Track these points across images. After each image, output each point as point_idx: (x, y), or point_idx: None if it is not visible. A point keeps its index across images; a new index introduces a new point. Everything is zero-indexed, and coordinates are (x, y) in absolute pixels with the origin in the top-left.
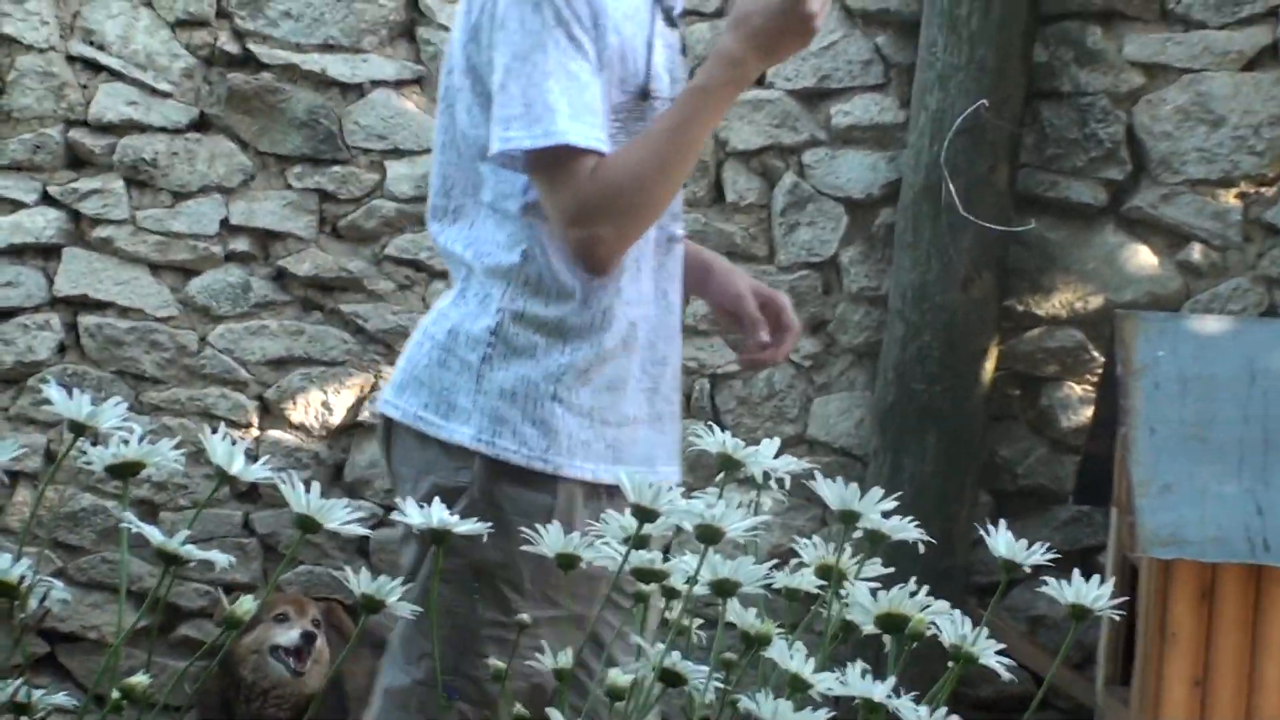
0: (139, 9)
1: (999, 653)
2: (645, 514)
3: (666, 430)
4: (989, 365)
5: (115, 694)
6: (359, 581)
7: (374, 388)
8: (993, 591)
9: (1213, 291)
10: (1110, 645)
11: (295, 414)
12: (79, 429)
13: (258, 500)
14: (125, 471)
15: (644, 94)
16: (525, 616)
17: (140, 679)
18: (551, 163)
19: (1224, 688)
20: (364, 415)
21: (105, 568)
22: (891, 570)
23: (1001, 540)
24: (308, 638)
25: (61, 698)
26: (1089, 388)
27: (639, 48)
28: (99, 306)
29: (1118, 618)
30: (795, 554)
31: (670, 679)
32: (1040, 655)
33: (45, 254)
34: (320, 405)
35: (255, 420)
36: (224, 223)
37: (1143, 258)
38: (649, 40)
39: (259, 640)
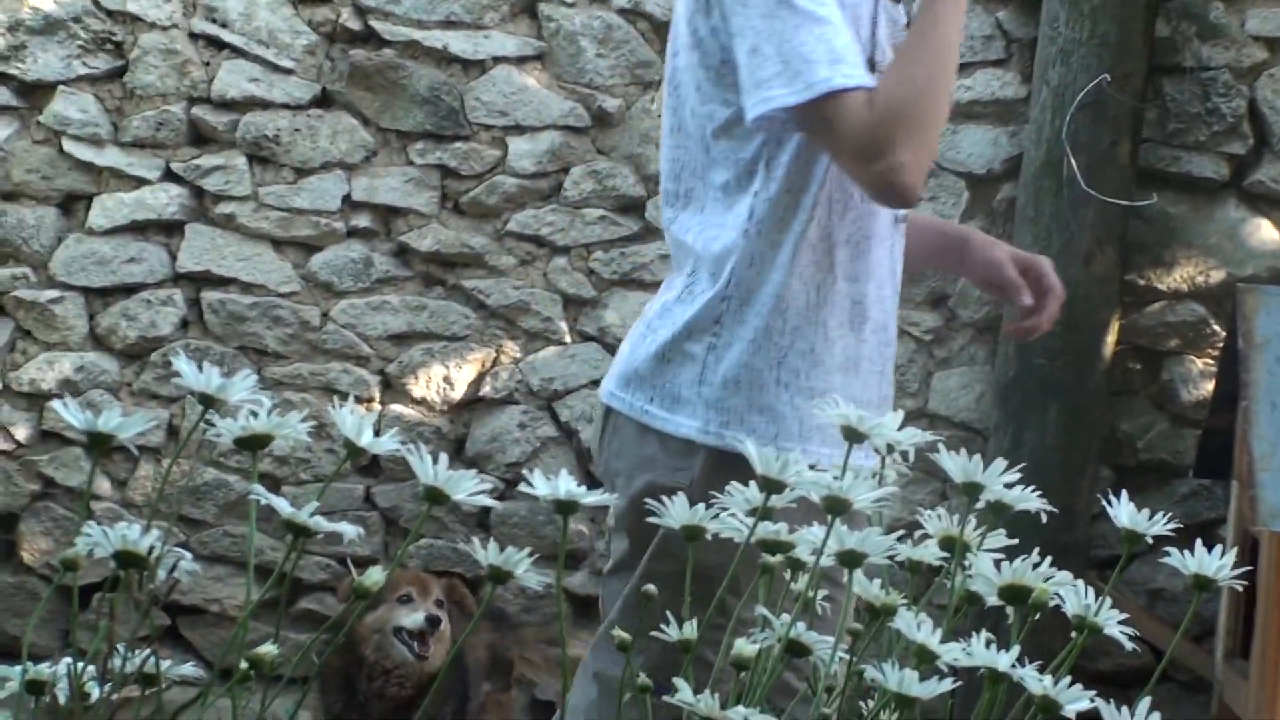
0: None
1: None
2: (772, 485)
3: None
4: (1110, 340)
5: (243, 665)
6: (487, 554)
7: (495, 363)
8: (1113, 566)
9: None
10: (1230, 618)
11: (417, 389)
12: (208, 401)
13: (379, 474)
14: (254, 444)
15: (870, 65)
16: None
17: (269, 648)
18: (824, 112)
19: None
20: (485, 390)
21: (227, 541)
22: (1014, 542)
23: (1124, 511)
24: (432, 621)
25: (188, 668)
26: (1210, 362)
27: (864, 18)
28: (222, 282)
29: (1240, 588)
30: (917, 527)
31: (796, 649)
32: (1159, 629)
33: (168, 230)
34: (442, 380)
35: (377, 395)
36: (346, 199)
37: (1264, 232)
38: (874, 14)
39: (382, 620)
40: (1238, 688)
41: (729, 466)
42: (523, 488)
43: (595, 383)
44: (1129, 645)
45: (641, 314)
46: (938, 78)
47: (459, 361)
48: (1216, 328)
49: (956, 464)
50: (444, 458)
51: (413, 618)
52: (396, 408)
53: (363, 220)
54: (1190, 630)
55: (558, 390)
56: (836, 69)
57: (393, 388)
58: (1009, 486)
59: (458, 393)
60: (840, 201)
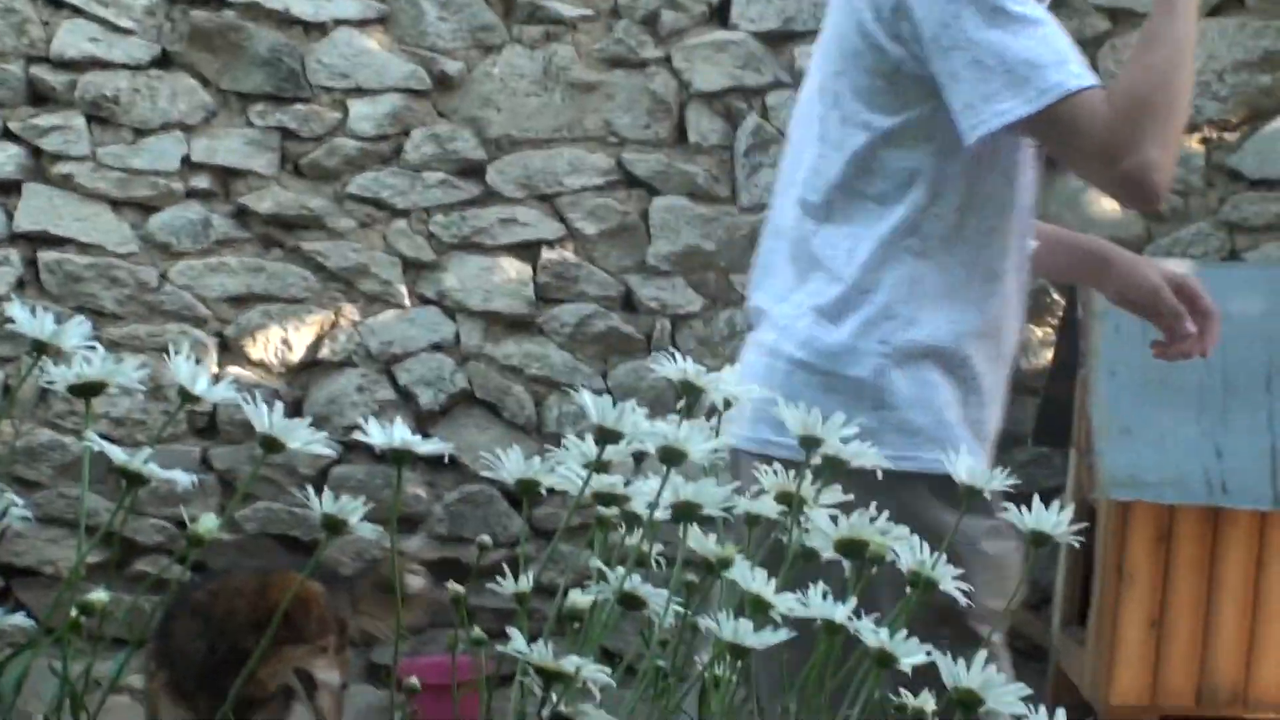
0: None
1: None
2: (609, 435)
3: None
4: None
5: (74, 610)
6: (320, 504)
7: (333, 325)
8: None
9: (1174, 236)
10: (1067, 587)
11: (254, 351)
12: (42, 348)
13: (216, 436)
14: (88, 391)
15: None
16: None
17: (100, 595)
18: (1060, 116)
19: (1180, 629)
20: (323, 353)
21: (62, 503)
22: (850, 498)
23: (961, 465)
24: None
25: (19, 618)
26: (1049, 331)
27: None
28: (59, 243)
29: (1076, 545)
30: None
31: (630, 602)
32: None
33: (5, 190)
34: (280, 342)
35: (215, 357)
36: (185, 160)
37: (1105, 202)
38: None
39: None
40: (1074, 655)
41: (925, 490)
42: (358, 435)
43: (435, 346)
44: (963, 601)
45: (754, 342)
46: (1180, 67)
47: (297, 324)
48: (1056, 296)
49: (794, 416)
50: (280, 406)
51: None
52: (234, 369)
53: (202, 181)
54: (1029, 599)
55: (396, 354)
56: (1065, 70)
57: (230, 350)
58: (846, 441)
59: (296, 355)
60: (992, 224)
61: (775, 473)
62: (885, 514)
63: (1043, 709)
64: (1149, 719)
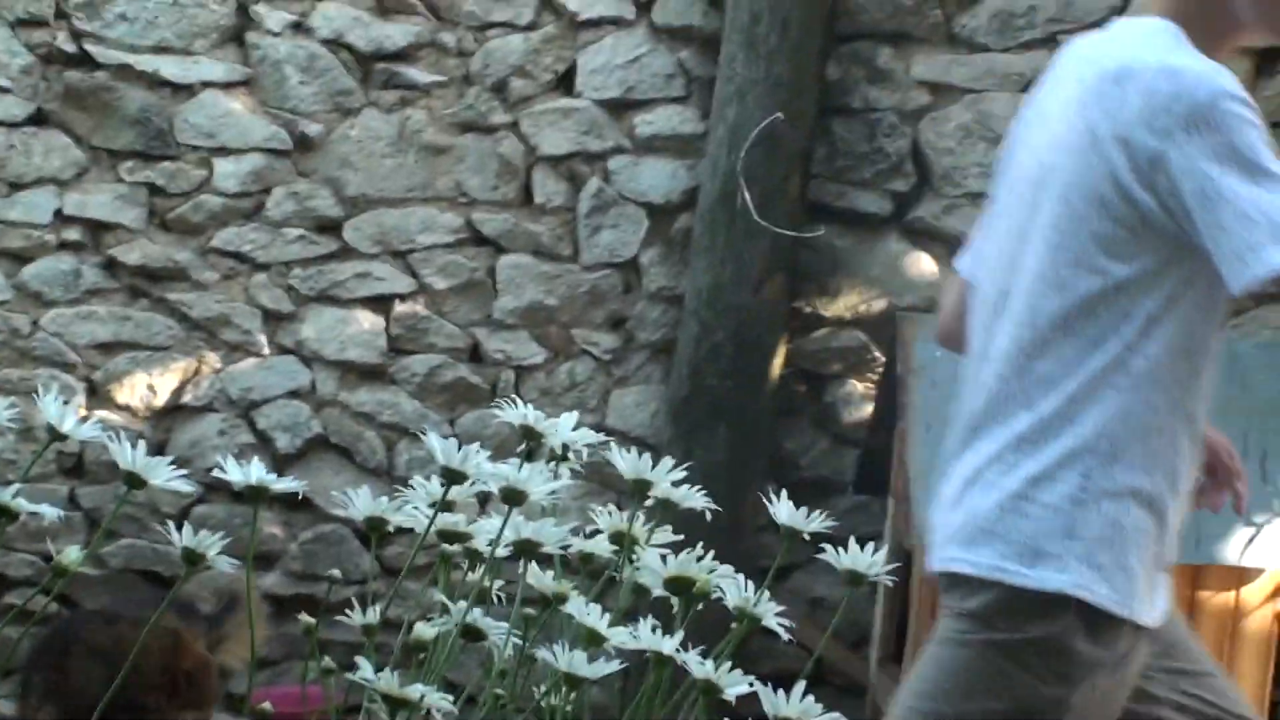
0: None
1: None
2: (454, 476)
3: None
4: (777, 363)
5: None
6: (181, 538)
7: (196, 372)
8: (781, 577)
9: None
10: (885, 627)
11: (122, 395)
12: None
13: (83, 476)
14: None
15: None
16: None
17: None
18: None
19: None
20: (186, 398)
21: None
22: (681, 538)
23: (783, 509)
24: None
25: None
26: (870, 385)
27: None
28: None
29: (890, 584)
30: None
31: (471, 634)
32: (819, 635)
33: None
34: (145, 388)
35: (84, 401)
36: (58, 213)
37: (924, 265)
38: None
39: None
40: (890, 691)
41: (1085, 621)
42: (218, 474)
43: (292, 393)
44: (785, 636)
45: (955, 472)
46: None
47: (162, 370)
48: (877, 353)
49: (628, 462)
50: (143, 445)
51: None
52: (102, 413)
53: (73, 234)
54: (847, 637)
55: (255, 400)
56: None
57: (98, 394)
58: (676, 485)
59: (160, 400)
60: (1194, 367)
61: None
62: (1032, 631)
63: None
64: None
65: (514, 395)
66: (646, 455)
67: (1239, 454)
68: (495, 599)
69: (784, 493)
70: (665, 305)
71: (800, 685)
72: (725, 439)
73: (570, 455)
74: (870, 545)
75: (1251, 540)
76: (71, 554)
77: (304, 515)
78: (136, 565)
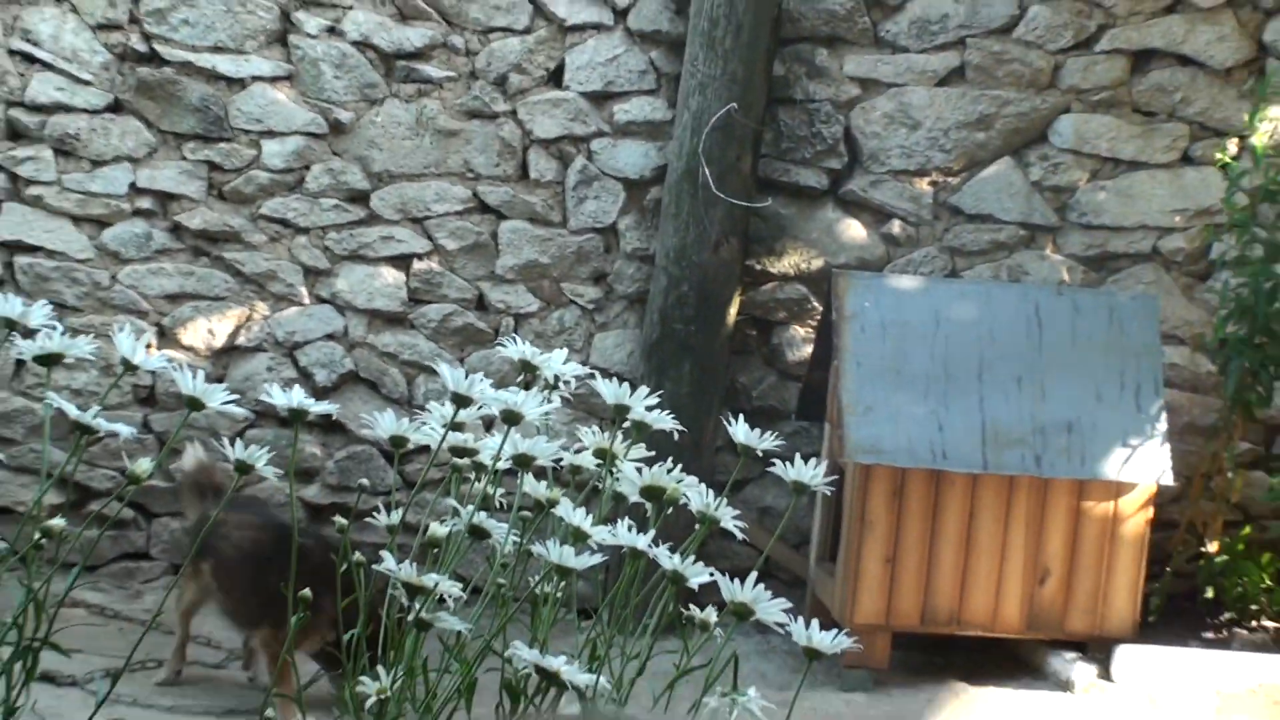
0: (66, 14)
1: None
2: (462, 400)
3: None
4: (733, 311)
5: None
6: (234, 451)
7: (249, 319)
8: (736, 489)
9: (908, 257)
10: (822, 531)
11: (186, 337)
12: (11, 325)
13: (155, 405)
14: (49, 360)
15: None
16: None
17: (57, 522)
18: None
19: (909, 565)
20: (240, 340)
21: (32, 456)
22: (653, 454)
23: (740, 430)
24: None
25: None
26: (810, 330)
27: None
28: (31, 250)
29: (828, 494)
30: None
31: (477, 533)
32: (767, 538)
33: None
34: (206, 332)
35: (154, 343)
36: (132, 186)
37: (854, 230)
38: None
39: None
40: (826, 585)
41: None
42: (264, 399)
43: (329, 336)
44: (740, 535)
45: None
46: None
47: (220, 317)
48: (815, 304)
49: (610, 390)
50: (201, 373)
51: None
52: (170, 352)
53: (145, 203)
54: (791, 540)
55: (298, 341)
56: None
57: (167, 337)
58: (649, 409)
59: (219, 342)
60: None
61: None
62: None
63: (802, 621)
64: (884, 635)
65: (513, 336)
66: (625, 385)
67: (1118, 389)
68: (498, 505)
69: (740, 417)
70: (639, 263)
71: (752, 576)
72: (689, 374)
73: (560, 384)
74: (812, 461)
75: (1128, 459)
76: (143, 464)
77: (338, 437)
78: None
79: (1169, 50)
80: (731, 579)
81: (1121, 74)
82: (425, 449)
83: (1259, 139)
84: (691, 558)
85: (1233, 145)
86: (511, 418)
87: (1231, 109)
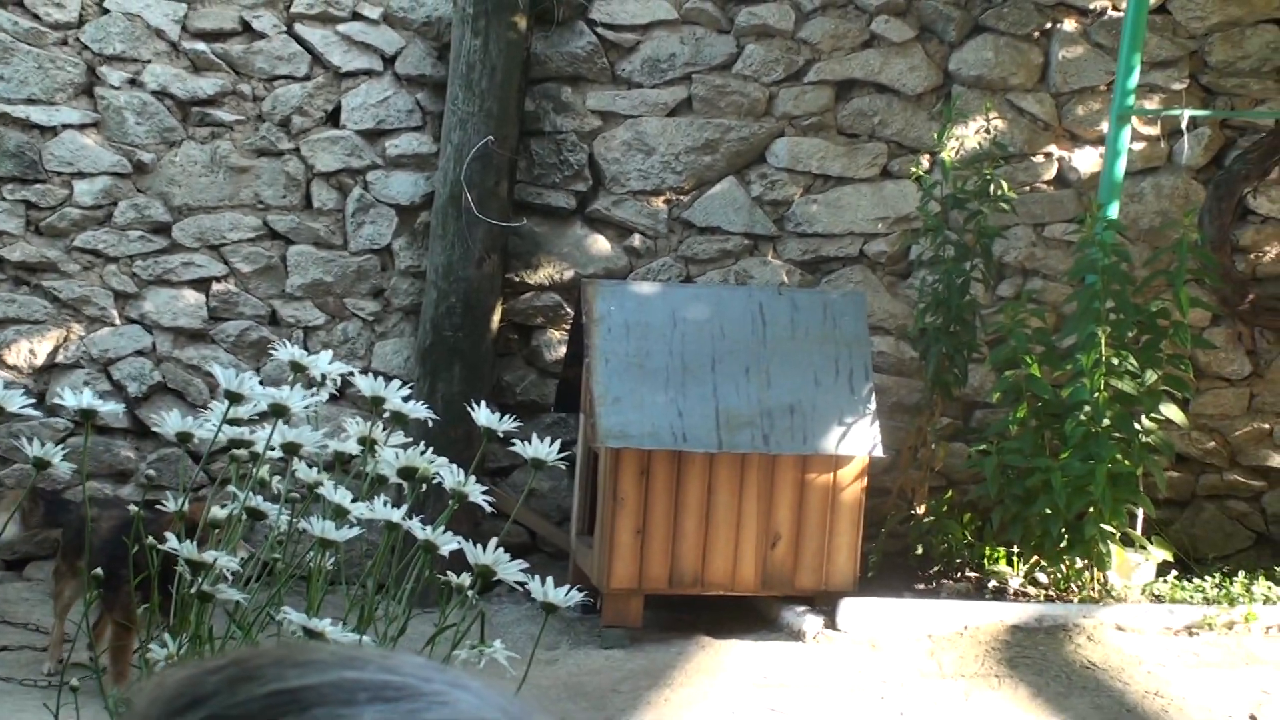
0: None
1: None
2: (234, 397)
3: None
4: (496, 318)
5: None
6: (32, 450)
7: (66, 339)
8: (504, 474)
9: (648, 266)
10: (580, 508)
11: (10, 358)
12: None
13: None
14: None
15: None
16: None
17: None
18: None
19: (657, 535)
20: (60, 358)
21: None
22: (412, 440)
23: (482, 414)
24: None
25: None
26: (564, 333)
27: None
28: None
29: (563, 467)
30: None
31: (254, 514)
32: (532, 517)
33: None
34: (29, 352)
35: None
36: None
37: (600, 244)
38: None
39: None
40: (586, 555)
41: None
42: (55, 400)
43: (139, 352)
44: (488, 508)
45: None
46: None
47: (40, 339)
48: (568, 309)
49: (366, 383)
50: (4, 378)
51: None
52: None
53: None
54: (554, 517)
55: (111, 358)
56: None
57: None
58: (404, 401)
59: (40, 360)
60: None
61: (357, 423)
62: None
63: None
64: (637, 597)
65: (284, 342)
66: (382, 379)
67: (833, 375)
68: (277, 492)
69: (484, 403)
70: (413, 279)
71: (493, 541)
72: (460, 375)
73: (327, 382)
74: (549, 438)
75: (844, 436)
76: None
77: (149, 442)
78: (27, 483)
79: (868, 80)
80: (506, 553)
81: (828, 101)
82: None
83: (947, 154)
84: (442, 529)
85: (925, 160)
86: (279, 410)
87: (923, 129)
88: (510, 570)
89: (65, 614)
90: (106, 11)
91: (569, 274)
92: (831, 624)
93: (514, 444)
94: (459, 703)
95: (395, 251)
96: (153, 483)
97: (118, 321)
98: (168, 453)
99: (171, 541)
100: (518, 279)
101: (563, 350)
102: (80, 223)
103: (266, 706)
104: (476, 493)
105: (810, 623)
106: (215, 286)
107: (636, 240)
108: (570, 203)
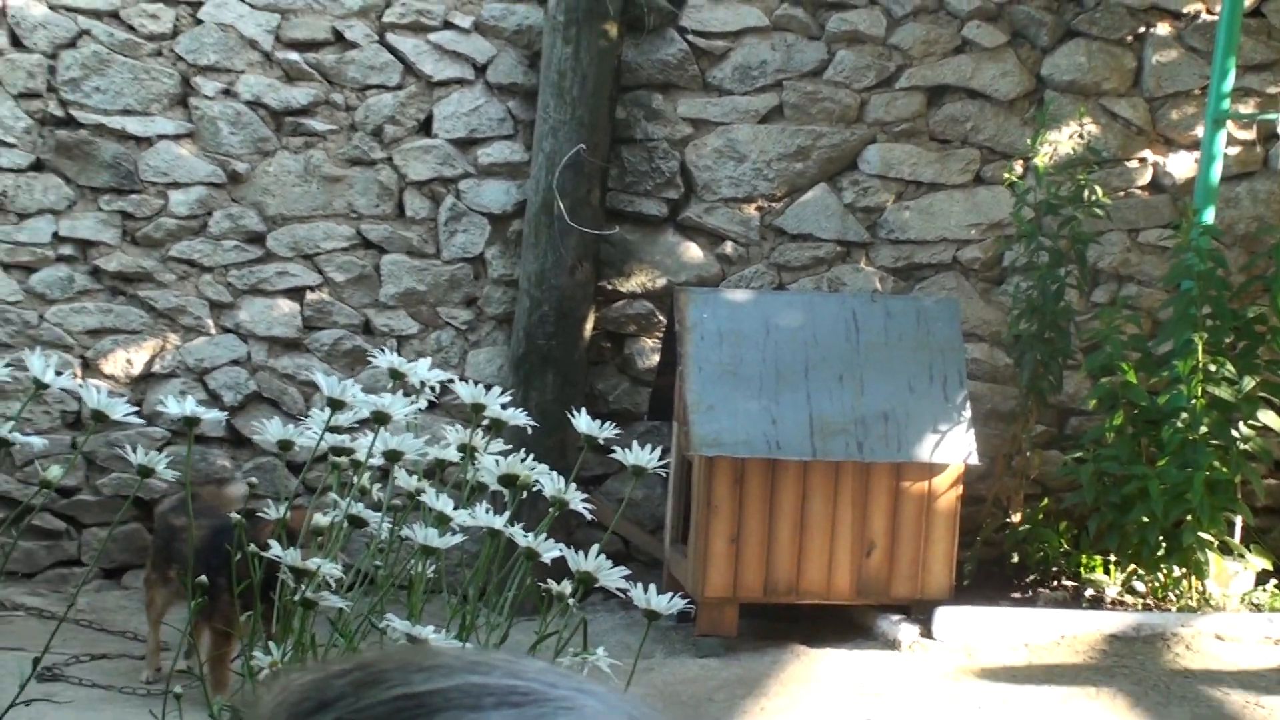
0: None
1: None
2: (336, 404)
3: None
4: (589, 326)
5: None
6: (136, 456)
7: (162, 349)
8: (597, 483)
9: (740, 274)
10: (674, 516)
11: (107, 368)
12: None
13: (81, 427)
14: None
15: None
16: None
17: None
18: None
19: (751, 543)
20: (156, 368)
21: None
22: (510, 448)
23: (582, 421)
24: None
25: None
26: (657, 340)
27: None
28: None
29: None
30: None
31: (356, 522)
32: (627, 525)
33: None
34: (125, 361)
35: (79, 373)
36: (55, 235)
37: (692, 252)
38: None
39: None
40: (680, 563)
41: None
42: (159, 407)
43: (234, 362)
44: (589, 515)
45: None
46: None
47: (137, 348)
48: (660, 317)
49: (466, 390)
50: (105, 388)
51: None
52: (94, 381)
53: (67, 250)
54: (648, 525)
55: (207, 367)
56: None
57: (90, 367)
58: (504, 407)
59: (136, 370)
60: None
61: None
62: None
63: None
64: (732, 606)
65: (382, 349)
66: (482, 386)
67: (927, 382)
68: (377, 500)
69: (584, 411)
70: (505, 287)
71: (595, 548)
72: (552, 384)
73: (426, 389)
74: (649, 446)
75: (939, 444)
76: (54, 470)
77: (246, 451)
78: (124, 493)
79: (960, 85)
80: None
81: (919, 107)
82: (326, 460)
83: (1040, 160)
84: (544, 536)
85: (1018, 166)
86: (381, 418)
87: (1016, 134)
88: (612, 577)
89: (159, 622)
90: (200, 22)
91: (661, 281)
92: (927, 632)
93: (613, 451)
94: (585, 708)
95: (488, 260)
96: (254, 490)
97: (213, 331)
98: (263, 461)
99: (275, 549)
100: (610, 287)
101: (655, 358)
102: (176, 233)
103: (393, 711)
104: (577, 500)
105: (906, 631)
106: (309, 296)
107: (729, 248)
108: (662, 210)
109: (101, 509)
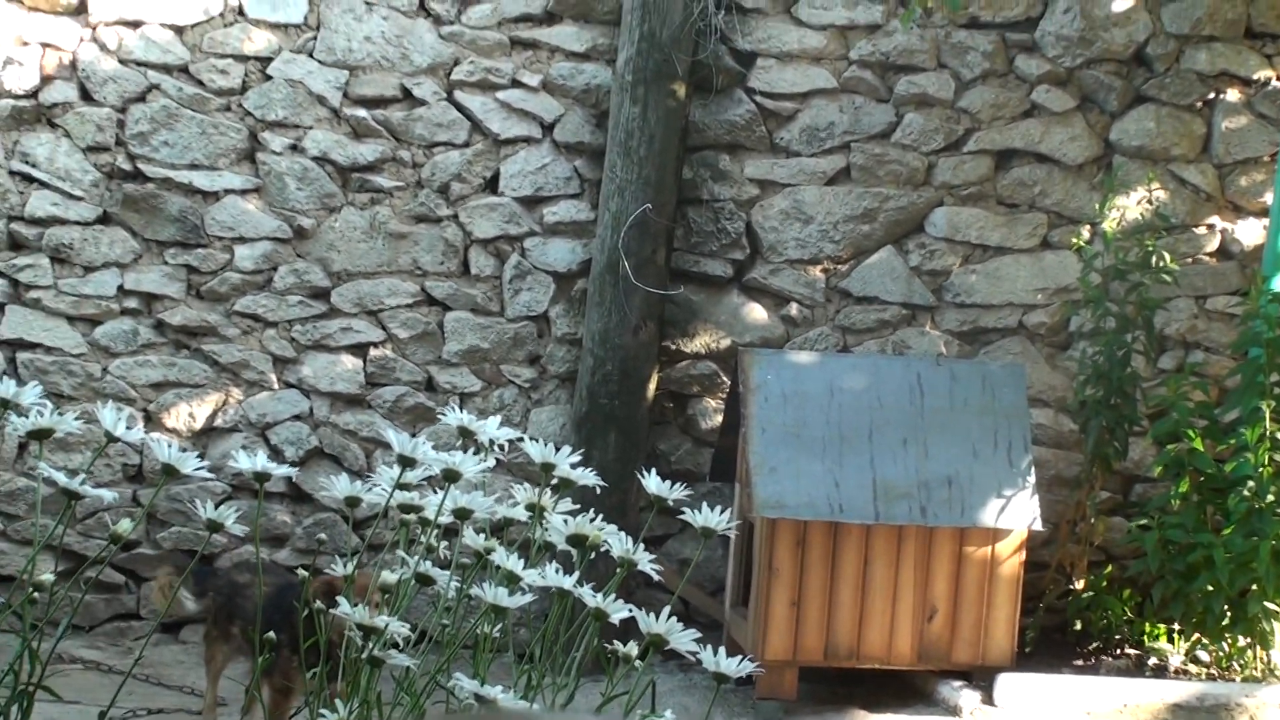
0: (60, 139)
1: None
2: (407, 461)
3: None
4: (652, 386)
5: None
6: (205, 511)
7: (225, 403)
8: (657, 543)
9: (805, 335)
10: (734, 579)
11: (170, 421)
12: (5, 404)
13: (142, 481)
14: (41, 435)
15: None
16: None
17: (48, 576)
18: None
19: (812, 606)
20: (218, 422)
21: (34, 530)
22: (578, 508)
23: (652, 482)
24: None
25: None
26: (720, 401)
27: None
28: (32, 346)
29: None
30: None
31: (423, 580)
32: (687, 586)
33: None
34: (188, 415)
35: (141, 426)
36: (120, 288)
37: (757, 313)
38: None
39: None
40: (740, 626)
41: None
42: (231, 464)
43: (296, 416)
44: (656, 576)
45: None
46: None
47: (199, 402)
48: (724, 378)
49: (536, 449)
50: (176, 443)
51: None
52: (156, 434)
53: (132, 303)
54: (708, 587)
55: (269, 422)
56: None
57: (152, 421)
58: (573, 467)
59: (199, 424)
60: None
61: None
62: None
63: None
64: (792, 669)
65: (451, 407)
66: (551, 445)
67: (992, 447)
68: (443, 558)
69: (653, 472)
70: (569, 346)
71: (665, 610)
72: (615, 443)
73: (495, 448)
74: (719, 508)
75: (1003, 509)
76: (124, 525)
77: (306, 506)
78: (183, 546)
79: (1028, 149)
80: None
81: (987, 171)
82: (387, 516)
83: (1108, 225)
84: (612, 596)
85: (1086, 231)
86: (451, 475)
87: (1084, 199)
88: (683, 640)
89: (218, 678)
90: (269, 78)
91: (725, 342)
92: (989, 699)
93: (682, 512)
94: None
95: (552, 318)
96: (321, 547)
97: (276, 386)
98: (323, 517)
99: (343, 605)
100: (674, 347)
101: (718, 419)
102: (240, 287)
103: None
104: (645, 561)
105: (967, 698)
106: (373, 352)
107: (794, 309)
108: (727, 271)
109: (161, 563)
